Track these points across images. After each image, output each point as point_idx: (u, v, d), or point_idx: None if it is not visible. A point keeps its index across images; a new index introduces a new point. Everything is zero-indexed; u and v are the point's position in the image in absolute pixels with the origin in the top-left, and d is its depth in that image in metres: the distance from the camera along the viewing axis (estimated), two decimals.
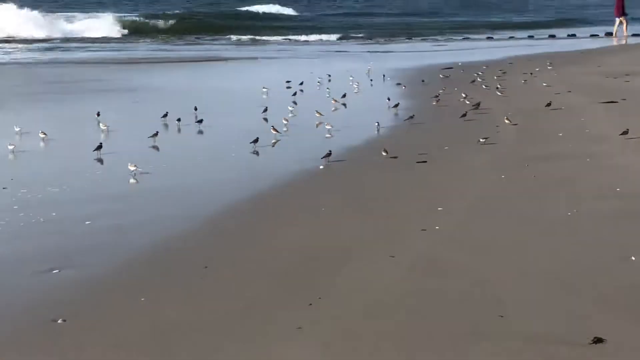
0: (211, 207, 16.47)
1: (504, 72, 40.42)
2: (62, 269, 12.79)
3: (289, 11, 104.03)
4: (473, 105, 29.22)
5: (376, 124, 25.80)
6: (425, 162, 20.52)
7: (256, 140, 22.54)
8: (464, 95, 31.41)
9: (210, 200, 17.17)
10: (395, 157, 21.01)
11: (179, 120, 26.68)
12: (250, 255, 13.38)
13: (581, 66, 44.13)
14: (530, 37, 75.34)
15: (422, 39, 75.20)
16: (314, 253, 13.37)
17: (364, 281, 12.08)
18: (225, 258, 13.27)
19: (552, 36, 75.23)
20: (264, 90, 34.19)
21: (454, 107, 29.87)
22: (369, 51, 61.99)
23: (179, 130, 26.36)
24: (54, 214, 16.11)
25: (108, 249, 13.91)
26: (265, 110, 28.51)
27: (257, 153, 22.32)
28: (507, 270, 12.40)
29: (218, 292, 11.80)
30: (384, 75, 39.23)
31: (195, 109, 28.55)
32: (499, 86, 35.29)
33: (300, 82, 36.09)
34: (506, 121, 25.73)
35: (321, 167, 20.25)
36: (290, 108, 28.86)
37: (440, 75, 39.83)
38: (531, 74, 39.90)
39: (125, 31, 79.10)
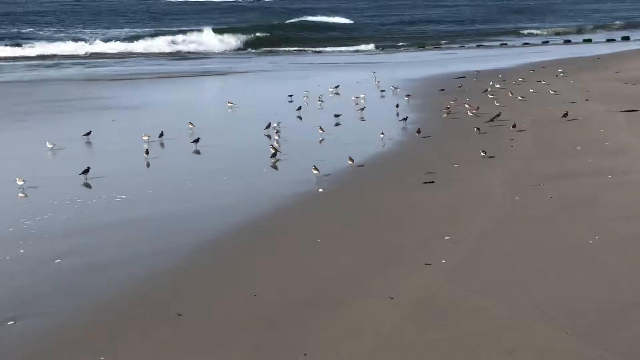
0: (194, 240, 14.98)
1: (523, 79, 39.01)
2: (19, 320, 11.32)
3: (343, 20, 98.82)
4: (489, 120, 27.62)
5: (381, 135, 24.46)
6: (433, 182, 18.95)
7: (274, 155, 22.33)
8: (469, 108, 29.66)
9: (194, 231, 15.67)
10: (361, 166, 20.46)
11: (160, 135, 25.56)
12: (231, 300, 11.86)
13: (598, 72, 42.43)
14: (545, 42, 73.64)
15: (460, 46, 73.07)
16: (303, 296, 11.84)
17: (358, 331, 10.55)
18: (202, 304, 11.76)
19: (568, 41, 73.45)
20: (229, 105, 33.03)
21: (466, 119, 28.27)
22: (377, 62, 60.43)
23: (162, 145, 24.96)
24: (22, 251, 14.63)
25: (75, 293, 12.43)
26: (268, 126, 27.01)
27: (256, 174, 20.86)
28: (523, 313, 10.85)
29: (191, 347, 10.29)
30: (394, 88, 37.53)
31: (191, 124, 27.14)
32: (511, 93, 33.78)
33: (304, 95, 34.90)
34: (512, 128, 24.44)
35: (320, 190, 18.72)
36: (277, 125, 27.03)
37: (459, 86, 38.08)
38: (543, 82, 38.22)
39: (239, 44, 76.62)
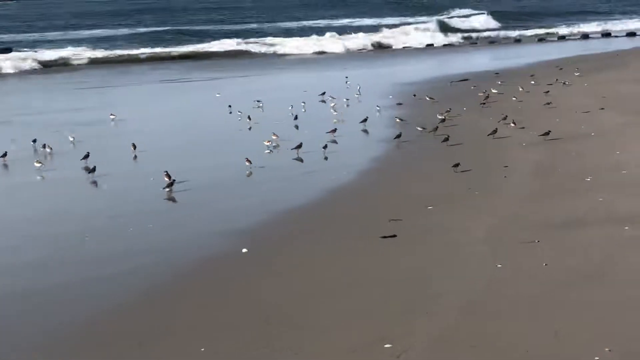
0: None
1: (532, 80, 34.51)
2: None
3: None
4: (488, 134, 23.16)
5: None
6: (394, 236, 14.46)
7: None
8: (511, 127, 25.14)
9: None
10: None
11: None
12: None
13: (616, 71, 37.64)
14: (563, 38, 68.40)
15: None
16: None
17: None
18: None
19: (586, 36, 68.20)
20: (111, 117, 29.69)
21: (456, 134, 23.72)
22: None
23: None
24: None
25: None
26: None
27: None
28: None
29: None
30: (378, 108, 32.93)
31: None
32: (515, 97, 29.37)
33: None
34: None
35: (244, 250, 14.26)
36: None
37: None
38: (557, 80, 33.51)
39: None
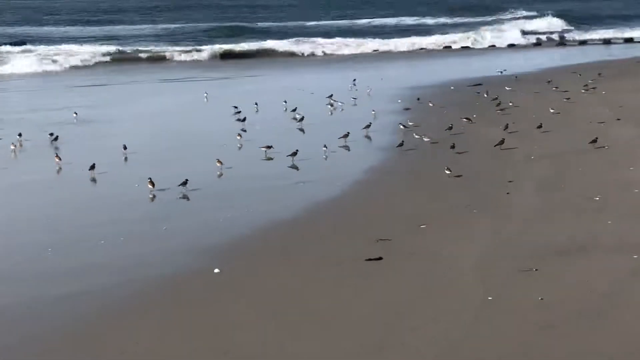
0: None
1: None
2: None
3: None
4: (495, 145, 21.89)
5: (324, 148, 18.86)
6: (380, 259, 13.24)
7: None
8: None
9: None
10: None
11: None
12: None
13: (635, 79, 36.09)
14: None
15: None
16: None
17: None
18: None
19: (608, 41, 65.78)
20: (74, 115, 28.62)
21: (462, 145, 22.46)
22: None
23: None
24: None
25: None
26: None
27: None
28: None
29: None
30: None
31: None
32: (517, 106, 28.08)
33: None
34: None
35: (216, 270, 13.08)
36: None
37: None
38: (566, 95, 32.09)
39: None
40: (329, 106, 30.36)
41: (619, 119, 25.48)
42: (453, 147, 21.74)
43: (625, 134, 22.96)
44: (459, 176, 18.41)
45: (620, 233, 13.99)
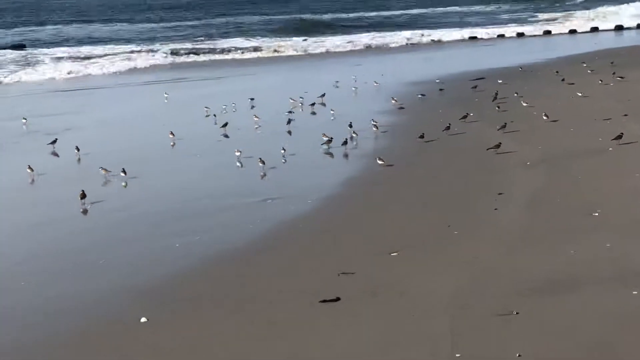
0: None
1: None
2: None
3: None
4: (489, 148, 19.94)
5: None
6: (337, 300, 11.36)
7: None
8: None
9: None
10: None
11: None
12: None
13: None
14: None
15: None
16: None
17: None
18: None
19: (620, 27, 62.77)
20: (23, 121, 27.59)
21: (450, 153, 20.53)
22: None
23: None
24: None
25: None
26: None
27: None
28: None
29: None
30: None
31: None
32: (525, 103, 26.10)
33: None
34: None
35: (143, 319, 11.20)
36: None
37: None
38: (572, 86, 29.97)
39: None
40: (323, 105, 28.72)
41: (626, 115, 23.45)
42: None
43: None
44: (440, 190, 16.47)
45: (620, 259, 12.02)
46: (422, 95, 29.79)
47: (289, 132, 24.42)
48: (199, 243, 14.39)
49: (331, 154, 21.35)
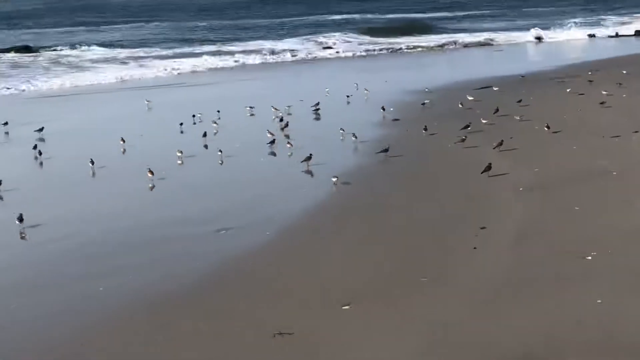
0: None
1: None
2: None
3: None
4: (482, 172, 17.88)
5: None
6: None
7: None
8: None
9: None
10: None
11: None
12: None
13: None
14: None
15: None
16: None
17: None
18: None
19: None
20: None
21: (434, 175, 18.49)
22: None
23: None
24: None
25: None
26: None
27: None
28: None
29: None
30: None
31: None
32: (519, 116, 24.00)
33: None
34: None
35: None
36: None
37: (459, 105, 27.47)
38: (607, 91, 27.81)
39: None
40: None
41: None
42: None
43: None
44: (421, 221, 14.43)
45: (611, 323, 9.95)
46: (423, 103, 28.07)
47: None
48: (127, 285, 12.42)
49: (311, 173, 19.35)
